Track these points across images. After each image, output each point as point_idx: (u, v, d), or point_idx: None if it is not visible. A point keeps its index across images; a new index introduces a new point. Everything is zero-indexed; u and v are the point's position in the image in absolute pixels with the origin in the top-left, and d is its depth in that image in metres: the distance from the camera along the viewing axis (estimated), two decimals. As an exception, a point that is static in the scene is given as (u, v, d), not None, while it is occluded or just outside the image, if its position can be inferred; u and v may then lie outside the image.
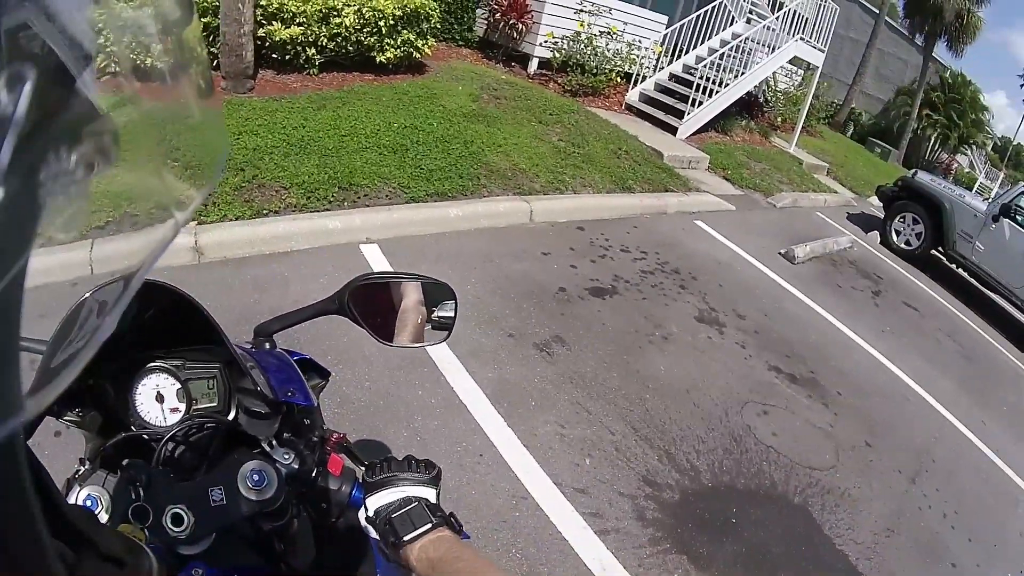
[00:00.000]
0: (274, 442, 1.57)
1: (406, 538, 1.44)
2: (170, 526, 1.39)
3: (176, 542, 1.40)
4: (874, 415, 6.37)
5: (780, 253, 9.64)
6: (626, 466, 4.71)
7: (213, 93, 0.61)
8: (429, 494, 1.59)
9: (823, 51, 16.92)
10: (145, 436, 1.55)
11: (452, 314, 1.89)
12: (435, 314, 1.89)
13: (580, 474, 4.60)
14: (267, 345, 1.97)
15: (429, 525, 1.45)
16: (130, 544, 0.88)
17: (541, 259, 7.45)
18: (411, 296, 1.86)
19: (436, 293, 1.89)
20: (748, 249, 9.36)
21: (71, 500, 1.42)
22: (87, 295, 1.00)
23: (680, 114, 13.77)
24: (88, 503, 1.38)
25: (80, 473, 1.49)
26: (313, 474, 1.57)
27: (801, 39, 15.90)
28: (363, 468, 1.68)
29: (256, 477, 1.47)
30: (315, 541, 1.70)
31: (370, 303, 1.86)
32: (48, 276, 6.39)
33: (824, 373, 6.71)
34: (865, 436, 5.89)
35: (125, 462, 1.49)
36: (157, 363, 1.59)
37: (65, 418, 1.56)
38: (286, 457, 1.54)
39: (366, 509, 1.56)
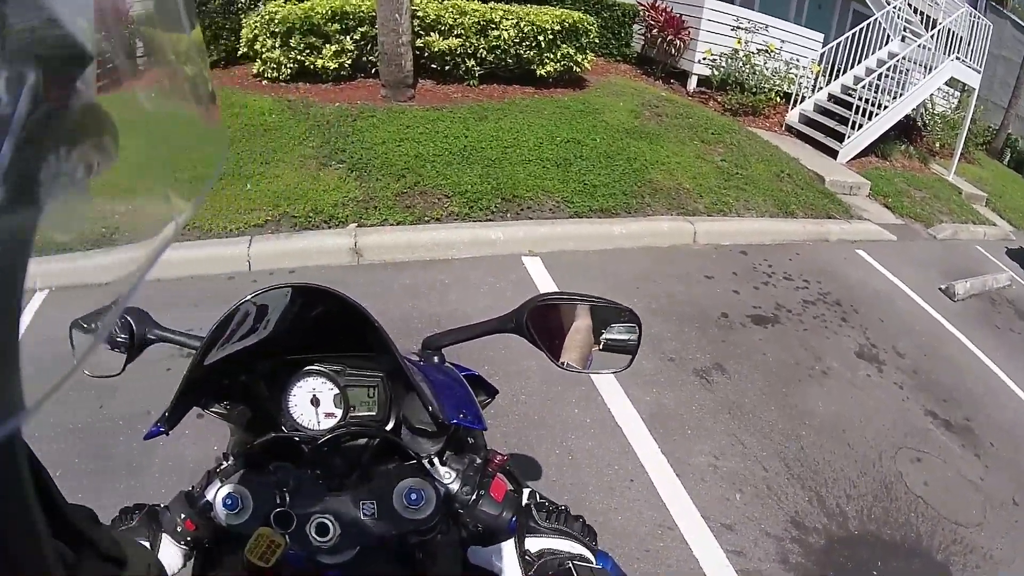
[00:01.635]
0: (435, 460, 1.55)
1: None
2: (314, 535, 1.44)
3: (317, 551, 1.45)
4: None
5: (940, 289, 9.39)
6: (776, 505, 4.68)
7: (213, 98, 0.63)
8: (591, 561, 1.50)
9: (979, 71, 16.23)
10: (295, 438, 1.56)
11: (624, 337, 1.79)
12: (603, 336, 1.78)
13: (729, 509, 4.57)
14: (435, 359, 1.94)
15: None
16: (130, 544, 0.91)
17: (704, 282, 7.47)
18: (582, 317, 1.78)
19: (611, 316, 1.79)
20: (909, 282, 9.16)
21: (209, 495, 1.54)
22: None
23: (840, 136, 13.45)
24: (228, 502, 1.47)
25: (222, 468, 1.58)
26: (473, 497, 1.53)
27: (957, 58, 15.35)
28: (525, 491, 1.66)
29: (413, 496, 1.47)
30: (459, 560, 1.65)
31: (545, 323, 1.79)
32: (204, 268, 6.68)
33: (979, 421, 6.50)
34: (1014, 493, 5.67)
35: (273, 465, 1.53)
36: (316, 366, 1.60)
37: (212, 409, 1.60)
38: (447, 477, 1.53)
39: (521, 542, 1.51)
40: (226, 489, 1.48)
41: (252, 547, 1.39)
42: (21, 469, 0.50)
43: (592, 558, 1.50)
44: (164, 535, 1.52)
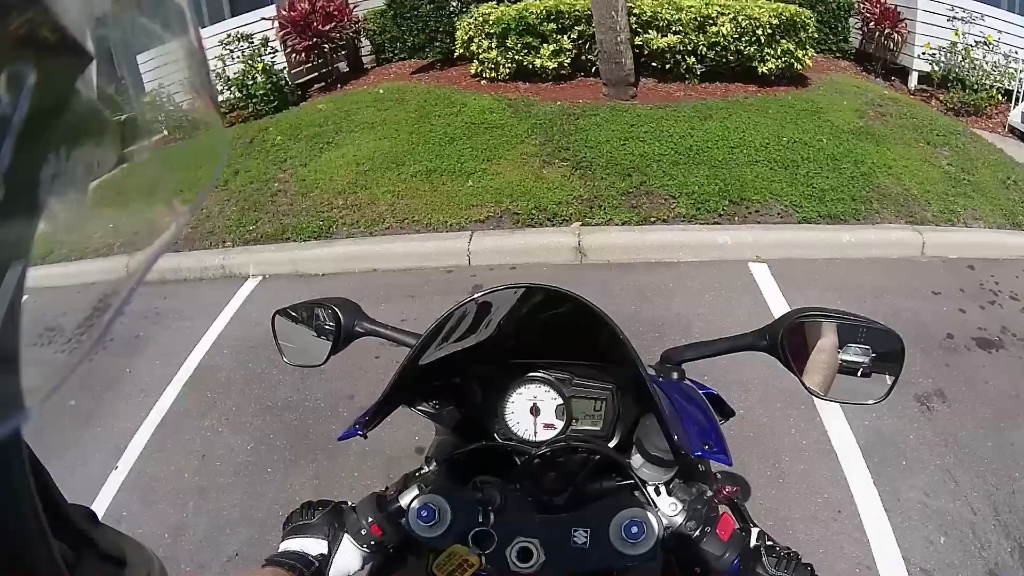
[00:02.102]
0: (661, 488, 1.49)
1: None
2: (514, 560, 1.39)
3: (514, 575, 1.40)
4: None
5: None
6: (977, 553, 4.50)
7: (213, 99, 0.61)
8: None
9: None
10: (509, 448, 1.55)
11: (860, 360, 1.64)
12: (841, 356, 1.64)
13: (931, 553, 4.41)
14: (674, 375, 1.90)
15: None
16: (131, 544, 0.85)
17: (931, 299, 7.23)
18: (827, 336, 1.67)
19: (856, 336, 1.65)
20: None
21: (403, 500, 1.52)
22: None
23: (1065, 139, 12.58)
24: (423, 513, 1.43)
25: (422, 474, 1.57)
26: (698, 534, 1.44)
27: None
28: (754, 531, 1.50)
29: (634, 529, 1.39)
30: None
31: (798, 342, 1.68)
32: (422, 261, 6.88)
33: None
34: None
35: (479, 479, 1.50)
36: (540, 373, 1.58)
37: (419, 407, 1.61)
38: (672, 508, 1.46)
39: None
40: (423, 500, 1.46)
41: (443, 563, 1.39)
42: (21, 469, 0.52)
43: None
44: (346, 535, 1.52)
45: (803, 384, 1.67)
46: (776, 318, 1.74)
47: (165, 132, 0.64)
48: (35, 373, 0.42)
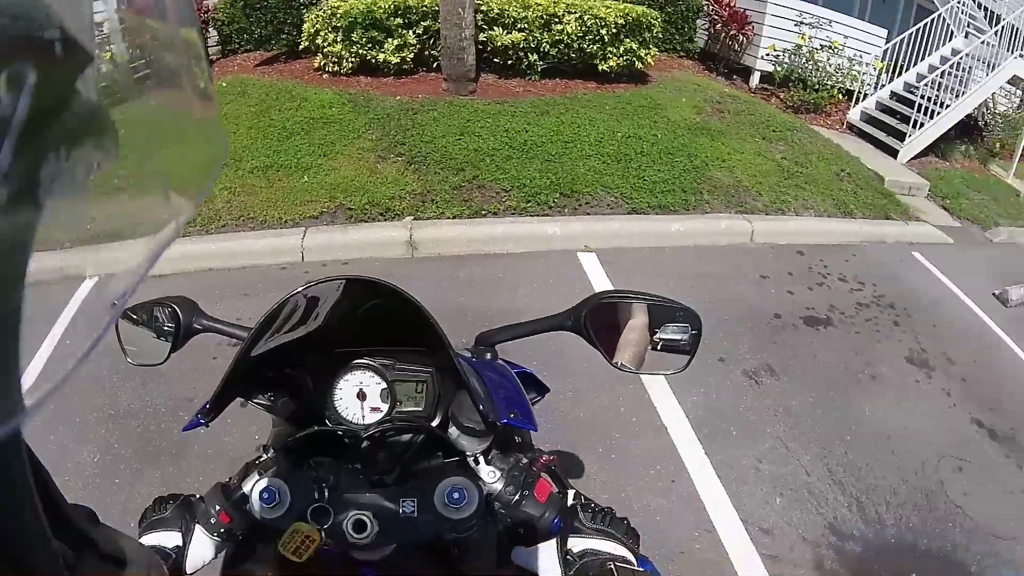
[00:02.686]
0: (480, 458, 1.56)
1: None
2: (351, 532, 1.44)
3: (353, 547, 1.47)
4: None
5: (994, 294, 9.27)
6: (815, 511, 4.71)
7: (212, 96, 0.61)
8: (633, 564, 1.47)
9: (1042, 70, 15.78)
10: (339, 432, 1.56)
11: (680, 337, 1.79)
12: (657, 335, 1.79)
13: (768, 513, 4.64)
14: (488, 355, 1.97)
15: None
16: (131, 544, 0.85)
17: (759, 282, 7.52)
18: (638, 317, 1.78)
19: (667, 316, 1.80)
20: (964, 287, 9.08)
21: (246, 487, 1.54)
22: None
23: (901, 135, 13.32)
24: (265, 495, 1.47)
25: (261, 461, 1.57)
26: (517, 498, 1.53)
27: (1021, 55, 14.94)
28: (571, 492, 1.61)
29: (456, 495, 1.46)
30: (499, 559, 1.65)
31: (601, 321, 1.79)
32: (257, 259, 6.84)
33: (1024, 432, 6.53)
34: (1055, 507, 5.68)
35: (313, 459, 1.55)
36: (364, 360, 1.61)
37: (255, 400, 1.63)
38: (491, 476, 1.54)
39: (563, 542, 1.48)
40: (264, 482, 1.50)
41: (286, 541, 1.41)
42: (21, 469, 0.52)
43: (634, 561, 1.47)
44: (197, 526, 1.54)
45: (607, 360, 1.79)
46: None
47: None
48: (35, 372, 0.41)
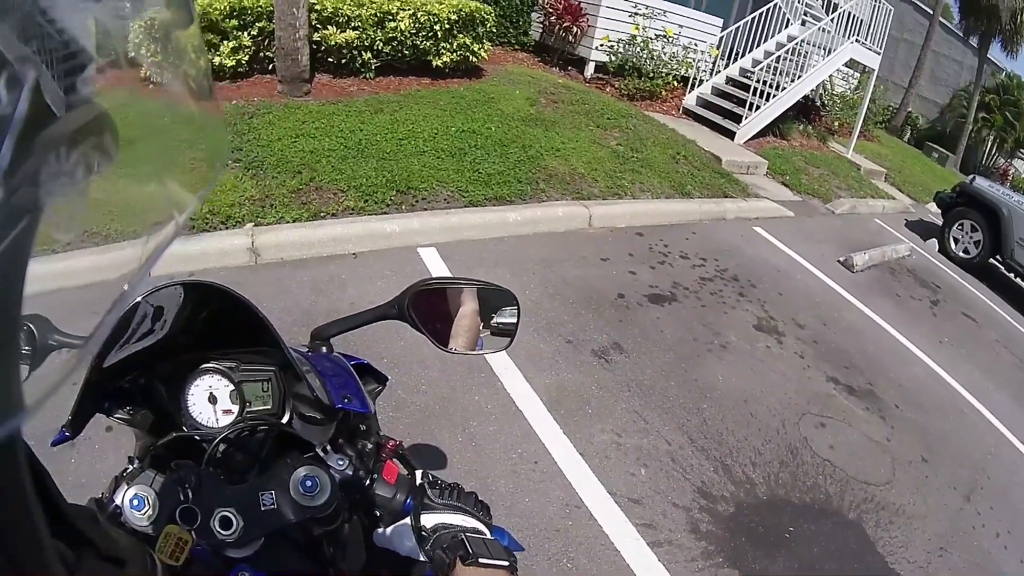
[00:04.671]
0: (328, 448, 1.57)
1: (482, 560, 1.41)
2: (218, 529, 1.42)
3: (224, 545, 1.43)
4: (931, 429, 6.28)
5: (839, 261, 9.58)
6: (681, 477, 4.69)
7: (212, 96, 0.62)
8: (485, 534, 1.57)
9: (879, 53, 16.69)
10: (196, 437, 1.56)
11: (512, 320, 1.88)
12: (493, 320, 1.88)
13: (635, 484, 4.59)
14: (323, 349, 1.98)
15: (506, 563, 1.43)
16: (130, 544, 0.90)
17: (600, 265, 7.48)
18: (468, 302, 1.84)
19: (497, 299, 1.88)
20: (807, 256, 9.33)
21: (117, 499, 1.48)
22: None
23: (738, 119, 13.73)
24: (135, 503, 1.42)
25: (128, 472, 1.52)
26: (367, 482, 1.58)
27: (857, 41, 15.79)
28: (418, 472, 1.69)
29: (308, 483, 1.48)
30: (365, 546, 1.72)
31: (430, 309, 1.85)
32: (99, 274, 6.54)
33: (882, 385, 6.66)
34: (921, 451, 5.81)
35: (174, 463, 1.51)
36: (211, 364, 1.61)
37: (115, 415, 1.59)
38: (340, 463, 1.55)
39: (417, 520, 1.56)
40: (132, 491, 1.44)
41: (161, 546, 1.35)
42: (21, 469, 0.51)
43: (487, 531, 1.56)
44: None
45: (436, 345, 1.85)
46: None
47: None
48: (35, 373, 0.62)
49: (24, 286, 0.40)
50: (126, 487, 1.47)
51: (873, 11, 16.42)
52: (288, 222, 7.22)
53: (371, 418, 1.77)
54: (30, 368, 1.67)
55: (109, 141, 0.48)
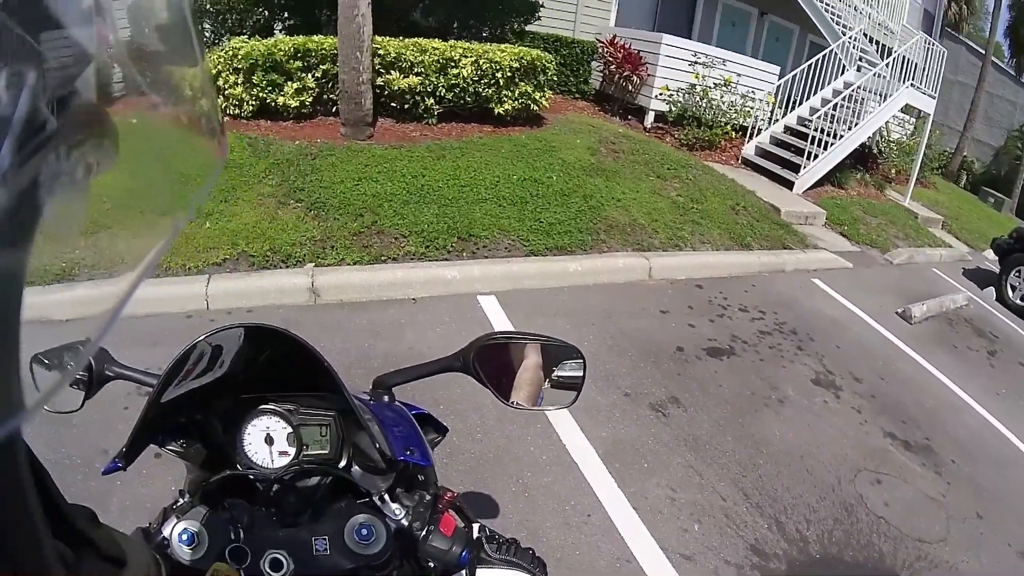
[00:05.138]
0: (386, 496, 1.59)
1: None
2: (268, 570, 1.46)
3: None
4: (986, 484, 6.17)
5: (897, 313, 9.49)
6: (735, 534, 4.66)
7: (215, 135, 0.61)
8: None
9: (934, 97, 16.48)
10: (250, 476, 1.59)
11: (577, 374, 1.84)
12: (554, 374, 1.83)
13: (688, 540, 4.54)
14: (385, 398, 1.97)
15: None
16: (131, 544, 0.88)
17: (659, 317, 7.49)
18: (531, 356, 1.82)
19: (562, 355, 1.85)
20: (865, 308, 9.25)
21: (166, 531, 1.52)
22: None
23: (796, 167, 13.66)
24: (184, 537, 1.46)
25: (178, 505, 1.56)
26: (423, 533, 1.57)
27: (912, 85, 15.63)
28: (475, 526, 1.70)
29: (364, 531, 1.51)
30: None
31: (494, 362, 1.84)
32: (162, 306, 6.64)
33: (939, 440, 6.57)
34: (977, 507, 5.72)
35: (227, 501, 1.55)
36: (270, 406, 1.60)
37: (168, 447, 1.61)
38: (397, 513, 1.57)
39: (472, 573, 1.57)
40: (182, 525, 1.48)
41: None
42: (21, 469, 0.52)
43: None
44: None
45: (499, 398, 1.82)
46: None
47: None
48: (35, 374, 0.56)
49: (24, 286, 0.41)
50: (175, 520, 1.51)
51: (927, 54, 16.27)
52: (348, 264, 7.32)
53: (430, 469, 1.78)
54: (84, 396, 1.83)
55: (109, 142, 0.48)
